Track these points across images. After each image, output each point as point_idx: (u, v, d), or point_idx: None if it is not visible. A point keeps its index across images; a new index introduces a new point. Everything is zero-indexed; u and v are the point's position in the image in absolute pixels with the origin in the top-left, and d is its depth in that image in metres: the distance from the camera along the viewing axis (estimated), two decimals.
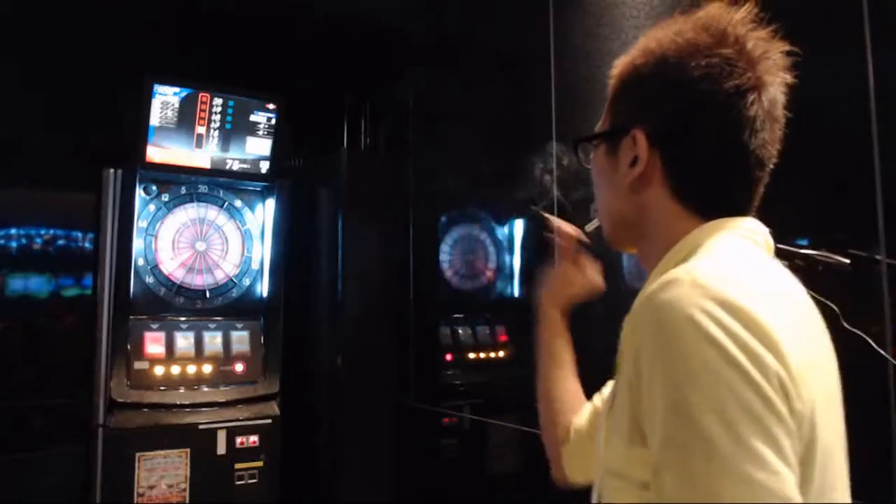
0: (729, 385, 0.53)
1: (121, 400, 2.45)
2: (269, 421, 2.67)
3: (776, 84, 0.75)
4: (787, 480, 0.53)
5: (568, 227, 1.16)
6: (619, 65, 0.79)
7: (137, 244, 2.62)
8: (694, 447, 0.53)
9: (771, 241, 0.74)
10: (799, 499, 0.53)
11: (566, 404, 1.10)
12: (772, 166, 0.76)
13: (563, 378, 1.14)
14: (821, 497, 0.59)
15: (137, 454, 2.40)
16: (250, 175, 2.84)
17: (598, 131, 0.81)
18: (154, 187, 2.69)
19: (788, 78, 0.76)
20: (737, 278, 0.61)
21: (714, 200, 0.72)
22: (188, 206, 2.77)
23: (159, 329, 2.65)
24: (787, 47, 0.75)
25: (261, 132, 2.81)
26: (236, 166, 2.80)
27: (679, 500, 0.54)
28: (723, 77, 0.70)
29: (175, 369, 2.60)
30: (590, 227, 1.01)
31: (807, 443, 0.57)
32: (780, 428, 0.54)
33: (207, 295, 2.76)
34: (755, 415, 0.53)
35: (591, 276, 1.19)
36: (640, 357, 0.61)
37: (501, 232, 2.80)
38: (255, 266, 2.88)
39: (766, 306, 0.58)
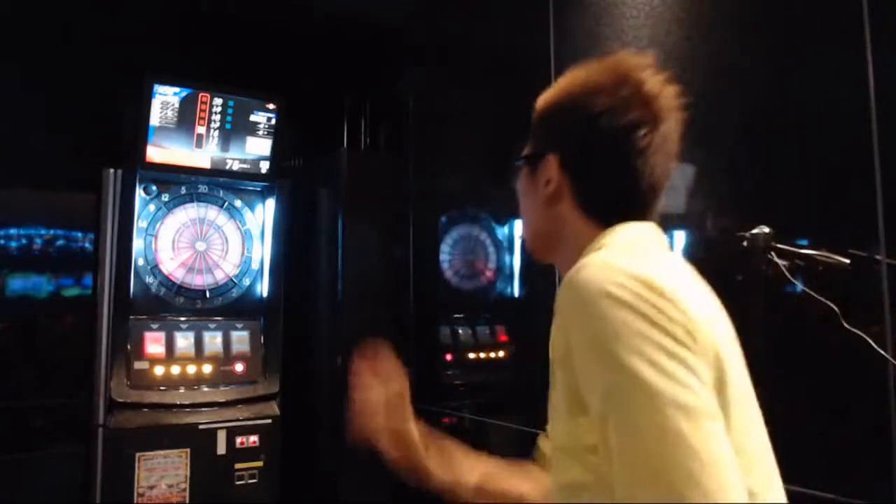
0: (644, 334, 0.64)
1: (121, 400, 2.45)
2: (269, 421, 2.67)
3: (669, 120, 0.85)
4: (709, 399, 0.64)
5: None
6: (541, 98, 0.94)
7: (137, 244, 2.62)
8: (628, 387, 0.63)
9: (665, 239, 0.87)
10: (721, 416, 0.64)
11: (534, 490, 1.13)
12: (666, 185, 0.87)
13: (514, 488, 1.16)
14: (741, 434, 0.69)
15: (137, 454, 2.40)
16: (250, 175, 2.84)
17: (521, 156, 0.94)
18: (154, 187, 2.69)
19: (680, 115, 0.87)
20: (638, 257, 0.74)
21: (615, 212, 0.85)
22: (188, 206, 2.77)
23: (159, 329, 2.65)
24: (678, 90, 0.87)
25: (261, 132, 2.81)
26: (236, 166, 2.80)
27: (627, 435, 0.63)
28: (619, 114, 0.82)
29: (175, 369, 2.60)
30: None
31: (717, 375, 0.68)
32: (692, 357, 0.65)
33: (207, 295, 2.76)
34: (670, 350, 0.64)
35: (390, 370, 1.23)
36: (569, 333, 0.71)
37: (501, 232, 2.80)
38: (255, 266, 2.88)
39: (665, 275, 0.70)
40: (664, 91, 0.85)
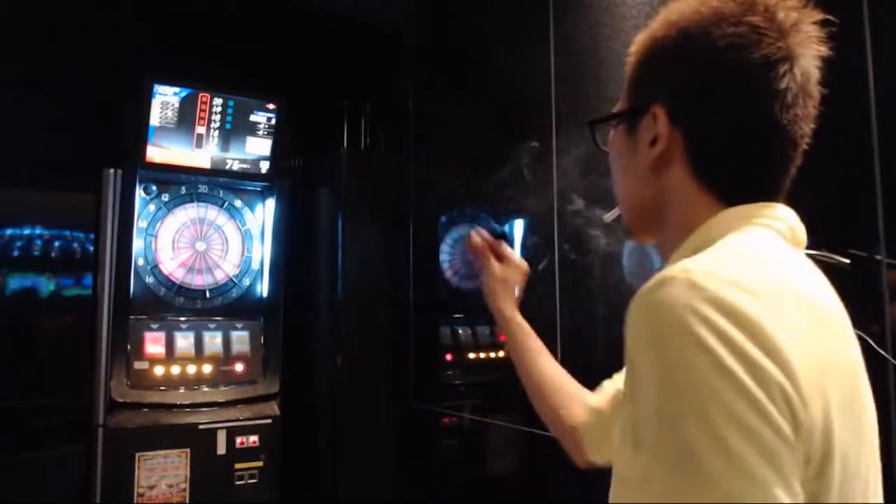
0: (720, 397, 0.48)
1: (121, 400, 2.45)
2: (269, 421, 2.67)
3: (809, 56, 0.70)
4: (778, 497, 0.47)
5: (473, 235, 1.32)
6: (638, 41, 0.75)
7: (137, 244, 2.62)
8: (680, 463, 0.48)
9: (801, 233, 0.70)
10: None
11: (564, 390, 1.11)
12: (805, 146, 0.70)
13: (548, 367, 1.18)
14: None
15: (137, 454, 2.40)
16: (250, 175, 2.84)
17: (615, 111, 0.77)
18: (154, 187, 2.69)
19: (823, 50, 0.71)
20: (741, 276, 0.55)
21: (740, 184, 0.67)
22: (188, 206, 2.77)
23: (159, 329, 2.64)
24: (820, 17, 0.70)
25: (261, 132, 2.81)
26: (236, 166, 2.80)
27: None
28: (750, 47, 0.64)
29: (175, 369, 2.59)
30: (609, 216, 0.86)
31: (820, 459, 0.52)
32: (779, 443, 0.48)
33: (207, 295, 2.75)
34: (749, 429, 0.47)
35: (514, 258, 1.38)
36: (634, 363, 0.57)
37: (501, 232, 2.80)
38: (255, 266, 2.88)
39: (772, 309, 0.52)
40: (803, 18, 0.69)
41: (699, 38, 0.66)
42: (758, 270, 0.58)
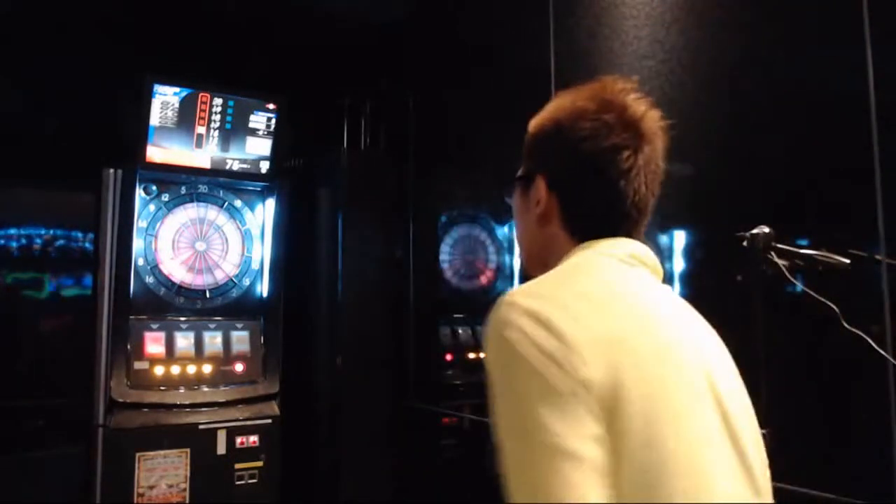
0: (528, 379, 0.70)
1: (121, 400, 2.45)
2: (269, 421, 2.67)
3: (653, 142, 0.88)
4: (579, 442, 0.65)
5: None
6: (532, 121, 0.96)
7: (137, 244, 2.62)
8: (512, 434, 0.73)
9: (646, 258, 0.87)
10: (586, 452, 0.65)
11: None
12: (651, 204, 0.90)
13: None
14: (648, 448, 0.68)
15: (137, 454, 2.40)
16: (250, 175, 2.84)
17: (516, 176, 0.97)
18: (154, 187, 2.69)
19: (664, 137, 0.90)
20: (544, 289, 0.78)
21: (597, 234, 0.87)
22: (188, 206, 2.77)
23: (159, 329, 2.64)
24: (661, 114, 0.90)
25: (261, 132, 2.81)
26: (236, 166, 2.80)
27: (510, 478, 0.72)
28: (602, 137, 0.85)
29: (175, 369, 2.59)
30: None
31: (610, 404, 0.67)
32: (570, 398, 0.67)
33: (207, 295, 2.75)
34: (549, 399, 0.67)
35: None
36: (487, 367, 0.75)
37: (501, 232, 2.80)
38: (255, 266, 2.88)
39: (561, 307, 0.72)
40: (647, 114, 0.87)
41: (567, 129, 0.88)
42: (562, 282, 0.80)
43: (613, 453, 0.67)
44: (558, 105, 0.93)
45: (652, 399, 0.70)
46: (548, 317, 0.71)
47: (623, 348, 0.72)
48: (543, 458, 0.66)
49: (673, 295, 0.90)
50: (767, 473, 0.81)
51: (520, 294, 0.76)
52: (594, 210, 0.87)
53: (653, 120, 0.88)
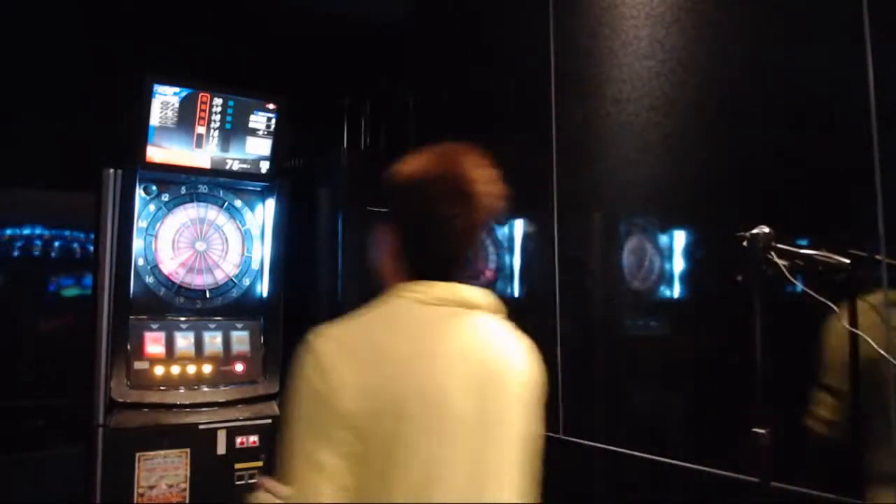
0: (297, 402, 0.96)
1: (121, 400, 2.45)
2: (269, 421, 2.67)
3: (479, 208, 1.06)
4: (318, 452, 0.91)
5: None
6: (391, 171, 1.12)
7: (137, 244, 2.62)
8: (288, 439, 0.95)
9: (450, 297, 1.06)
10: (328, 463, 0.91)
11: None
12: (468, 254, 1.10)
13: None
14: (400, 469, 0.92)
15: (137, 454, 2.39)
16: (250, 175, 2.84)
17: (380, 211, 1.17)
18: (154, 187, 2.69)
19: (497, 202, 1.10)
20: (334, 332, 1.00)
21: (422, 277, 1.07)
22: (188, 206, 2.77)
23: (159, 329, 2.64)
24: (498, 178, 1.11)
25: (261, 132, 2.81)
26: (236, 166, 2.80)
27: (282, 468, 0.95)
28: (437, 202, 1.05)
29: (175, 369, 2.59)
30: None
31: (363, 429, 0.91)
32: (320, 421, 0.93)
33: (207, 295, 2.75)
34: (305, 417, 0.95)
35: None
36: None
37: (501, 232, 2.80)
38: (255, 266, 2.88)
39: (339, 349, 0.96)
40: (480, 184, 1.07)
41: (410, 189, 1.08)
42: (357, 330, 1.01)
43: (364, 459, 0.91)
44: (409, 165, 1.11)
45: (396, 425, 0.92)
46: (325, 364, 0.95)
47: (383, 391, 0.93)
48: (300, 462, 0.93)
49: (477, 326, 1.07)
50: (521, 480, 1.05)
51: (320, 335, 0.99)
52: (422, 259, 1.08)
53: (485, 188, 1.08)
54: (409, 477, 0.92)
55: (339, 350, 0.96)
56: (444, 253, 1.07)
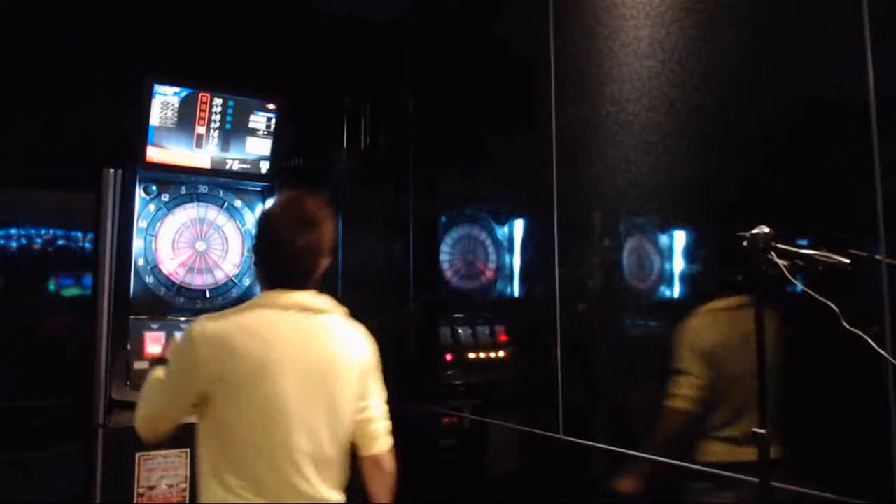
0: (171, 354, 1.49)
1: (121, 400, 2.45)
2: None
3: (319, 233, 1.48)
4: (173, 389, 1.44)
5: None
6: (259, 214, 1.89)
7: (137, 244, 2.62)
8: (163, 374, 1.47)
9: (295, 304, 1.46)
10: (182, 396, 1.42)
11: None
12: (312, 273, 1.50)
13: None
14: (236, 425, 1.39)
15: (137, 454, 2.39)
16: (250, 175, 2.84)
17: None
18: (154, 187, 2.69)
19: (330, 233, 1.52)
20: (210, 321, 1.40)
21: (276, 285, 1.48)
22: (188, 206, 2.77)
23: (159, 329, 2.64)
24: (330, 216, 1.54)
25: (261, 132, 2.81)
26: (236, 166, 2.80)
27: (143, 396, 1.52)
28: (283, 228, 1.46)
29: None
30: None
31: (218, 381, 1.36)
32: (180, 373, 1.42)
33: (207, 295, 2.76)
34: (170, 367, 1.44)
35: None
36: None
37: (501, 232, 2.80)
38: None
39: (219, 329, 1.38)
40: (321, 214, 1.51)
41: (264, 221, 1.57)
42: (228, 317, 1.41)
43: (220, 399, 1.37)
44: (273, 206, 1.62)
45: (239, 377, 1.36)
46: (196, 337, 1.37)
47: (235, 354, 1.36)
48: (163, 390, 1.46)
49: (319, 323, 1.50)
50: (347, 421, 1.51)
51: (201, 319, 1.41)
52: (273, 274, 1.49)
53: (319, 221, 1.49)
54: (250, 406, 1.36)
55: (209, 332, 1.37)
56: (287, 270, 1.47)
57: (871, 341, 1.28)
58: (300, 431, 1.37)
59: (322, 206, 1.53)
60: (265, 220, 1.55)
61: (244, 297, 2.84)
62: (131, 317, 2.57)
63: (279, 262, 1.46)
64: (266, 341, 1.38)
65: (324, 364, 1.44)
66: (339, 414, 1.46)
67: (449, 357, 2.93)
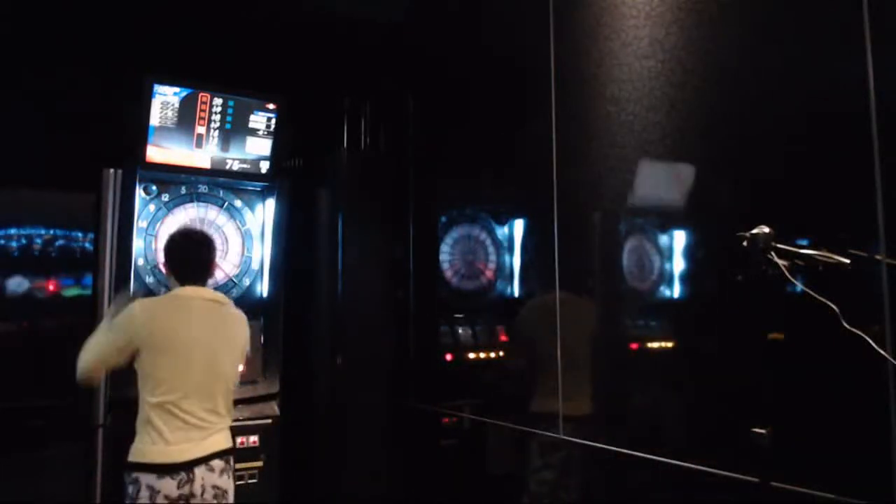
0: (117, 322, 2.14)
1: (121, 400, 2.45)
2: (269, 421, 2.67)
3: (208, 250, 2.27)
4: (115, 341, 2.10)
5: None
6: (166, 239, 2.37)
7: (137, 244, 2.62)
8: (105, 327, 2.17)
9: (196, 296, 2.20)
10: (117, 343, 2.10)
11: None
12: (206, 276, 2.27)
13: None
14: (154, 367, 2.08)
15: None
16: (250, 175, 2.84)
17: None
18: (154, 187, 2.69)
19: (215, 252, 2.35)
20: (148, 299, 2.22)
21: (182, 282, 2.21)
22: (188, 206, 2.77)
23: None
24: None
25: (261, 132, 2.81)
26: (236, 166, 2.81)
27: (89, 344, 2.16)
28: (187, 248, 2.26)
29: None
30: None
31: (147, 338, 2.07)
32: (117, 330, 2.11)
33: None
34: (112, 326, 2.13)
35: None
36: None
37: (501, 232, 2.80)
38: (255, 266, 2.89)
39: (151, 308, 2.15)
40: (202, 240, 2.29)
41: (176, 246, 2.26)
42: (155, 300, 2.28)
43: (147, 351, 2.07)
44: (176, 236, 2.29)
45: (161, 339, 2.08)
46: (134, 310, 2.10)
47: (158, 324, 2.08)
48: (107, 343, 2.10)
49: (217, 310, 2.23)
50: (231, 387, 2.25)
51: (140, 299, 2.18)
52: (184, 277, 2.20)
53: (210, 240, 2.30)
54: (171, 360, 2.07)
55: (143, 309, 2.10)
56: (193, 274, 2.20)
57: (871, 341, 1.28)
58: (202, 374, 2.10)
59: (207, 233, 2.38)
60: (172, 243, 2.24)
61: (244, 297, 2.84)
62: None
63: (187, 270, 2.19)
64: (180, 318, 2.12)
65: (219, 335, 2.19)
66: (227, 372, 2.19)
67: (449, 357, 2.93)
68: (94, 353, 2.09)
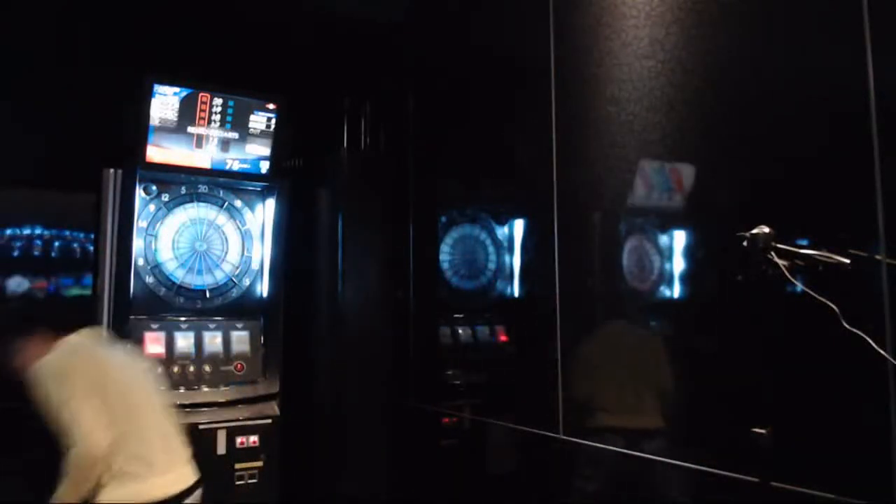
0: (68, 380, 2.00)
1: None
2: (269, 421, 2.67)
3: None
4: (80, 388, 1.94)
5: None
6: None
7: (137, 244, 2.62)
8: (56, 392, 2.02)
9: (96, 338, 2.14)
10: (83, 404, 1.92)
11: None
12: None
13: None
14: (113, 410, 1.93)
15: None
16: (250, 175, 2.84)
17: None
18: (154, 187, 2.69)
19: None
20: (64, 344, 2.07)
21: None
22: (188, 206, 2.77)
23: (159, 329, 2.65)
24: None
25: (261, 132, 2.81)
26: (236, 166, 2.80)
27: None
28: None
29: (175, 369, 2.59)
30: None
31: (97, 381, 1.95)
32: (74, 376, 1.96)
33: (207, 295, 2.75)
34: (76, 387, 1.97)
35: None
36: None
37: (501, 232, 2.80)
38: (254, 266, 2.88)
39: (68, 354, 2.03)
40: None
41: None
42: (61, 349, 2.05)
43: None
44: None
45: (120, 383, 2.00)
46: (58, 361, 2.00)
47: (107, 369, 2.01)
48: (82, 405, 1.92)
49: (116, 350, 2.16)
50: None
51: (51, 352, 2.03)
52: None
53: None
54: (121, 400, 1.97)
55: (73, 348, 2.05)
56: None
57: (871, 341, 1.28)
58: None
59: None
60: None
61: (244, 297, 2.84)
62: (131, 317, 2.58)
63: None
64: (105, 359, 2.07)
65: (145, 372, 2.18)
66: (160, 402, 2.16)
67: (449, 357, 2.93)
68: (88, 426, 1.92)
